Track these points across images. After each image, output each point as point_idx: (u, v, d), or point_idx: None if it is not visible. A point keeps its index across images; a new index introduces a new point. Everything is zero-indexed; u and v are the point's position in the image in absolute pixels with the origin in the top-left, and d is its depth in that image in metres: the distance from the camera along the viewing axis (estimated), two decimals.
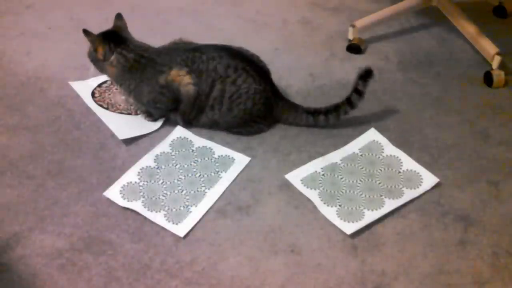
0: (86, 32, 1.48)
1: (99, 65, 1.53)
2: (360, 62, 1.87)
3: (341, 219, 1.34)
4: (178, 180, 1.44)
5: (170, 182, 1.43)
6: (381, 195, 1.40)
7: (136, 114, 1.62)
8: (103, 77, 1.67)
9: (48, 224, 1.32)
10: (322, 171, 1.47)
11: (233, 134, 1.57)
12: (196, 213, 1.35)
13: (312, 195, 1.40)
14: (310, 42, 1.97)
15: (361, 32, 1.92)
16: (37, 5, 2.10)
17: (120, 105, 1.65)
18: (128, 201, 1.37)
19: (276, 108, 1.57)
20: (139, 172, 1.44)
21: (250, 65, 1.52)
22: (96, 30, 1.52)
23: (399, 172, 1.47)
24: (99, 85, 1.71)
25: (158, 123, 1.59)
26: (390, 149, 1.53)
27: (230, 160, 1.49)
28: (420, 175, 1.45)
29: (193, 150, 1.52)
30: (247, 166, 1.48)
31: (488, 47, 1.79)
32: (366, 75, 1.50)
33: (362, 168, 1.48)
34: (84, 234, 1.30)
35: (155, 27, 2.00)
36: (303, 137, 1.57)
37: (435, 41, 1.98)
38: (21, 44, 1.90)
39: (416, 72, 1.83)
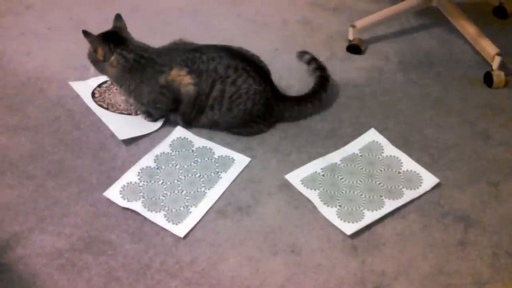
0: (85, 33, 1.48)
1: (99, 66, 1.53)
2: (360, 62, 1.88)
3: (341, 219, 1.34)
4: (178, 181, 1.44)
5: (170, 183, 1.43)
6: (381, 196, 1.40)
7: (136, 114, 1.62)
8: (103, 77, 1.67)
9: (48, 224, 1.32)
10: (322, 171, 1.47)
11: (233, 135, 1.57)
12: (196, 213, 1.35)
13: (312, 195, 1.40)
14: (310, 42, 1.97)
15: (361, 32, 1.92)
16: (37, 5, 2.10)
17: (120, 105, 1.65)
18: (128, 201, 1.37)
19: (276, 108, 1.57)
20: (139, 172, 1.44)
21: (250, 66, 1.52)
22: (96, 30, 1.52)
23: (399, 172, 1.47)
24: (99, 85, 1.71)
25: (158, 123, 1.59)
26: (390, 150, 1.53)
27: (230, 160, 1.49)
28: (420, 176, 1.45)
29: (193, 151, 1.52)
30: (247, 166, 1.48)
31: (488, 48, 1.79)
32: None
33: (362, 168, 1.48)
34: (84, 234, 1.30)
35: (155, 27, 2.00)
36: (303, 137, 1.57)
37: (435, 42, 1.98)
38: (21, 44, 1.90)
39: (416, 73, 1.83)
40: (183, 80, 1.50)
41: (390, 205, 1.37)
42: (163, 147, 1.52)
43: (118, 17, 1.56)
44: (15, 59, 1.83)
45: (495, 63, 1.76)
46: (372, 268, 1.25)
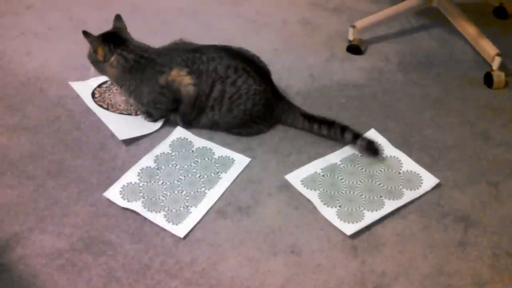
0: (85, 33, 1.48)
1: (99, 66, 1.53)
2: (360, 62, 1.88)
3: (341, 220, 1.34)
4: (178, 181, 1.44)
5: (170, 183, 1.43)
6: (381, 196, 1.40)
7: (136, 114, 1.62)
8: (103, 78, 1.67)
9: (48, 225, 1.32)
10: (322, 172, 1.46)
11: (233, 135, 1.57)
12: (196, 213, 1.35)
13: (312, 196, 1.40)
14: (310, 42, 1.97)
15: (361, 32, 1.92)
16: (37, 6, 2.10)
17: (120, 106, 1.65)
18: (128, 201, 1.37)
19: (276, 109, 1.57)
20: (139, 173, 1.44)
21: (251, 66, 1.52)
22: (96, 30, 1.52)
23: (399, 173, 1.47)
24: (99, 86, 1.71)
25: (158, 124, 1.59)
26: (390, 150, 1.53)
27: (230, 160, 1.49)
28: (420, 176, 1.45)
29: (193, 151, 1.52)
30: (247, 166, 1.48)
31: (488, 48, 1.79)
32: (372, 150, 1.48)
33: (362, 169, 1.48)
34: (84, 234, 1.30)
35: (155, 27, 2.00)
36: (303, 138, 1.57)
37: (435, 42, 1.98)
38: (21, 44, 1.90)
39: (416, 73, 1.83)
40: (183, 80, 1.50)
41: (390, 206, 1.37)
42: (163, 147, 1.52)
43: (118, 18, 1.56)
44: (15, 59, 1.83)
45: (495, 63, 1.76)
46: (372, 268, 1.25)
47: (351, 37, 1.92)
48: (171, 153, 1.51)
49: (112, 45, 1.50)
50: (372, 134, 1.57)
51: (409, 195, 1.40)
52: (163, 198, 1.39)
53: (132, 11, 2.06)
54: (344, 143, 1.52)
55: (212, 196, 1.40)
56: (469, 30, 1.88)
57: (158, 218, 1.33)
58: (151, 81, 1.51)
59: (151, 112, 1.58)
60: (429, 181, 1.44)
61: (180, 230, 1.31)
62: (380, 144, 1.54)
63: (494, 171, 1.49)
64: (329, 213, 1.35)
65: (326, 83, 1.78)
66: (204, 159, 1.50)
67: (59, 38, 1.93)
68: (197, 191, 1.41)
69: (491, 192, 1.43)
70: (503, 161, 1.52)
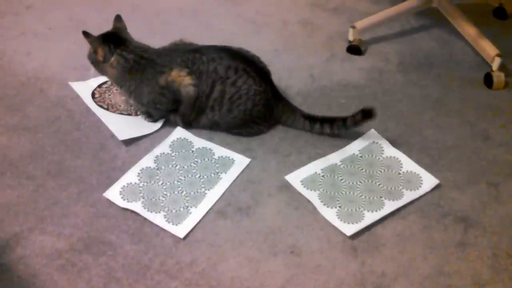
0: (85, 33, 1.48)
1: (99, 66, 1.53)
2: (360, 63, 1.88)
3: (341, 220, 1.34)
4: (178, 181, 1.44)
5: (170, 183, 1.43)
6: (381, 197, 1.40)
7: (136, 114, 1.62)
8: (103, 78, 1.67)
9: (48, 225, 1.31)
10: (322, 172, 1.47)
11: (233, 135, 1.57)
12: (196, 214, 1.35)
13: (312, 196, 1.40)
14: (310, 43, 1.97)
15: (361, 33, 1.92)
16: (37, 6, 2.10)
17: (120, 106, 1.65)
18: (128, 202, 1.36)
19: (276, 109, 1.57)
20: (139, 173, 1.44)
21: (251, 66, 1.52)
22: (96, 30, 1.52)
23: (399, 173, 1.47)
24: (99, 86, 1.71)
25: (158, 124, 1.59)
26: (390, 151, 1.53)
27: (230, 161, 1.49)
28: (420, 177, 1.45)
29: (193, 151, 1.52)
30: (247, 167, 1.48)
31: (488, 49, 1.79)
32: (367, 114, 1.49)
33: (362, 169, 1.48)
34: (84, 234, 1.30)
35: (155, 28, 2.00)
36: (303, 138, 1.57)
37: (435, 43, 1.98)
38: (21, 44, 1.90)
39: (416, 74, 1.83)
40: (183, 80, 1.50)
41: (390, 206, 1.37)
42: (163, 147, 1.52)
43: (118, 18, 1.56)
44: (15, 59, 1.83)
45: (495, 64, 1.76)
46: (372, 269, 1.25)
47: (351, 38, 1.92)
48: (171, 154, 1.51)
49: (112, 46, 1.50)
50: (372, 135, 1.57)
51: (409, 196, 1.40)
52: (163, 199, 1.39)
53: (132, 11, 2.06)
54: (348, 130, 1.51)
55: (212, 196, 1.40)
56: (469, 30, 1.88)
57: (158, 219, 1.33)
58: (151, 81, 1.51)
59: (151, 112, 1.58)
60: (429, 181, 1.44)
61: (180, 230, 1.31)
62: (380, 144, 1.54)
63: (494, 172, 1.49)
64: (329, 214, 1.35)
65: (326, 83, 1.78)
66: (204, 160, 1.50)
67: (59, 38, 1.93)
68: (197, 192, 1.41)
69: (491, 192, 1.43)
70: (503, 161, 1.52)
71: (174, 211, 1.36)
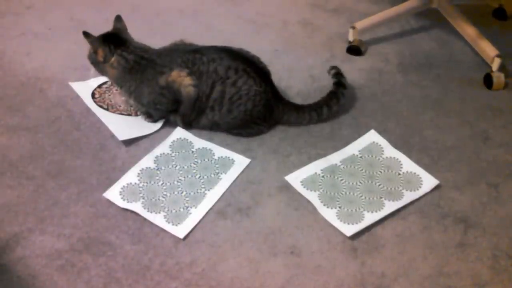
0: (86, 34, 1.48)
1: (100, 67, 1.53)
2: (360, 63, 1.88)
3: (341, 221, 1.34)
4: (178, 181, 1.44)
5: (170, 183, 1.43)
6: (381, 197, 1.40)
7: (136, 115, 1.62)
8: (103, 78, 1.67)
9: (47, 225, 1.31)
10: (322, 172, 1.47)
11: (233, 136, 1.57)
12: (196, 214, 1.35)
13: (312, 196, 1.40)
14: (310, 43, 1.97)
15: (361, 33, 1.92)
16: (37, 6, 2.10)
17: (120, 106, 1.65)
18: (128, 202, 1.36)
19: (276, 110, 1.57)
20: (139, 173, 1.44)
21: (251, 67, 1.52)
22: (96, 31, 1.53)
23: (399, 174, 1.47)
24: (99, 86, 1.71)
25: (158, 124, 1.59)
26: (390, 151, 1.53)
27: (230, 161, 1.49)
28: (420, 177, 1.45)
29: (193, 151, 1.52)
30: (247, 167, 1.48)
31: (488, 49, 1.79)
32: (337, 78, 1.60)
33: (362, 170, 1.48)
34: (83, 235, 1.30)
35: (155, 28, 2.00)
36: (303, 138, 1.57)
37: (435, 43, 1.98)
38: (21, 44, 1.90)
39: (416, 74, 1.83)
40: (184, 81, 1.50)
41: (390, 207, 1.37)
42: (163, 148, 1.52)
43: (118, 18, 1.56)
44: (15, 59, 1.83)
45: (495, 64, 1.76)
46: (372, 269, 1.25)
47: (351, 38, 1.92)
48: (171, 154, 1.51)
49: (112, 46, 1.50)
50: (372, 135, 1.57)
51: (409, 196, 1.40)
52: (163, 199, 1.39)
53: (132, 12, 2.06)
54: (340, 95, 1.59)
55: (212, 196, 1.40)
56: (469, 31, 1.88)
57: (158, 219, 1.33)
58: (151, 81, 1.51)
59: (151, 112, 1.58)
60: (429, 182, 1.44)
61: (180, 230, 1.31)
62: (380, 145, 1.54)
63: (494, 172, 1.49)
64: (329, 214, 1.35)
65: (326, 84, 1.78)
66: (204, 160, 1.50)
67: (59, 38, 1.93)
68: (197, 192, 1.41)
69: (491, 193, 1.43)
70: (503, 162, 1.52)
71: (174, 211, 1.36)
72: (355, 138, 1.57)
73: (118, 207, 1.36)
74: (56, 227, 1.31)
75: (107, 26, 1.56)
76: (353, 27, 1.91)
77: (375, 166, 1.49)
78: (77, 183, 1.42)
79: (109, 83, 1.71)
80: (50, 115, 1.61)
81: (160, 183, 1.43)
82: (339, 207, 1.37)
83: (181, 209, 1.36)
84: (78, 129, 1.57)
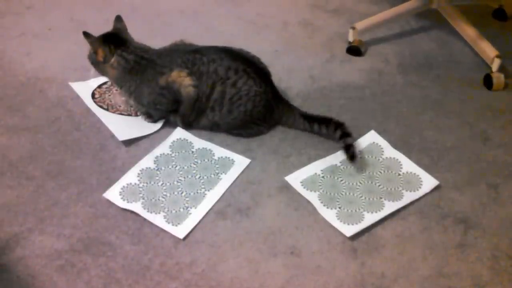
0: (86, 34, 1.48)
1: (100, 67, 1.53)
2: (360, 64, 1.88)
3: (340, 221, 1.34)
4: (178, 182, 1.44)
5: (170, 184, 1.43)
6: (381, 198, 1.40)
7: (136, 115, 1.62)
8: (103, 78, 1.67)
9: (47, 225, 1.31)
10: (322, 173, 1.47)
11: (233, 136, 1.57)
12: (196, 214, 1.35)
13: (312, 197, 1.40)
14: (310, 44, 1.97)
15: (361, 34, 1.92)
16: (38, 6, 2.10)
17: (120, 106, 1.65)
18: (127, 202, 1.36)
19: (276, 110, 1.57)
20: (139, 173, 1.44)
21: (251, 67, 1.52)
22: (96, 31, 1.53)
23: (399, 174, 1.47)
24: (99, 86, 1.71)
25: (158, 125, 1.59)
26: (389, 151, 1.53)
27: (230, 161, 1.49)
28: (420, 178, 1.45)
29: (193, 152, 1.52)
30: (247, 168, 1.48)
31: (488, 50, 1.79)
32: (348, 153, 1.46)
33: (362, 170, 1.48)
34: (83, 235, 1.30)
35: (155, 28, 2.00)
36: (303, 139, 1.57)
37: (435, 44, 1.98)
38: (21, 44, 1.90)
39: (416, 75, 1.83)
40: (184, 81, 1.50)
41: (389, 207, 1.37)
42: (163, 148, 1.52)
43: (118, 18, 1.56)
44: (15, 60, 1.83)
45: (495, 65, 1.76)
46: (371, 270, 1.25)
47: (351, 39, 1.92)
48: (171, 154, 1.51)
49: (113, 46, 1.50)
50: (371, 136, 1.57)
51: (408, 197, 1.40)
52: (163, 199, 1.39)
53: (132, 12, 2.06)
54: (336, 141, 1.51)
55: (212, 197, 1.40)
56: (469, 31, 1.88)
57: (157, 219, 1.33)
58: (151, 82, 1.51)
59: (151, 113, 1.58)
60: (428, 182, 1.44)
61: (180, 231, 1.31)
62: (379, 145, 1.54)
63: (494, 173, 1.49)
64: (329, 215, 1.35)
65: (326, 84, 1.78)
66: (204, 160, 1.50)
67: (59, 38, 1.93)
68: (197, 192, 1.41)
69: (491, 193, 1.43)
70: (503, 162, 1.52)
71: (174, 211, 1.35)
72: (355, 139, 1.56)
73: (118, 207, 1.36)
74: (56, 227, 1.31)
75: (107, 26, 1.56)
76: (353, 28, 1.91)
77: (375, 166, 1.49)
78: (77, 183, 1.42)
79: (109, 83, 1.71)
80: (50, 115, 1.61)
81: (160, 184, 1.43)
82: (339, 208, 1.37)
83: (181, 210, 1.36)
84: (78, 129, 1.57)
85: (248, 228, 1.33)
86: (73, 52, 1.83)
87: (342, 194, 1.41)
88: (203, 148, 1.53)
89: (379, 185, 1.44)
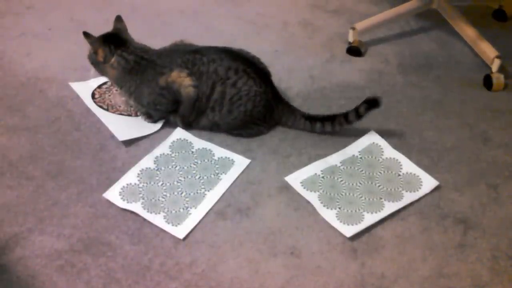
0: (86, 34, 1.48)
1: (100, 67, 1.53)
2: (360, 64, 1.88)
3: (340, 221, 1.34)
4: (178, 182, 1.44)
5: (170, 184, 1.43)
6: (381, 198, 1.40)
7: (136, 115, 1.62)
8: (103, 78, 1.67)
9: (47, 225, 1.31)
10: (322, 173, 1.47)
11: (233, 136, 1.57)
12: (196, 215, 1.35)
13: (312, 197, 1.40)
14: (310, 44, 1.97)
15: (361, 34, 1.92)
16: (38, 6, 2.10)
17: (120, 106, 1.65)
18: (127, 202, 1.36)
19: (276, 111, 1.57)
20: (138, 174, 1.44)
21: (251, 67, 1.52)
22: (96, 31, 1.53)
23: (399, 175, 1.47)
24: (99, 86, 1.71)
25: (158, 125, 1.59)
26: (389, 152, 1.53)
27: (230, 162, 1.49)
28: (420, 178, 1.45)
29: (193, 152, 1.52)
30: (246, 168, 1.48)
31: (488, 50, 1.79)
32: (372, 103, 1.48)
33: (362, 170, 1.48)
34: (83, 235, 1.29)
35: (155, 28, 2.00)
36: (303, 139, 1.57)
37: (435, 44, 1.98)
38: (21, 44, 1.90)
39: (416, 75, 1.84)
40: (184, 81, 1.50)
41: (389, 208, 1.37)
42: (163, 148, 1.52)
43: (118, 19, 1.56)
44: (15, 60, 1.82)
45: (495, 65, 1.76)
46: (371, 270, 1.25)
47: (351, 39, 1.92)
48: (171, 154, 1.51)
49: (113, 46, 1.50)
50: (371, 136, 1.57)
51: (408, 197, 1.40)
52: (163, 199, 1.39)
53: (132, 12, 2.06)
54: (351, 124, 1.51)
55: (211, 197, 1.40)
56: (469, 32, 1.88)
57: (157, 219, 1.33)
58: (151, 82, 1.51)
59: (151, 113, 1.58)
60: (428, 183, 1.44)
61: (180, 231, 1.31)
62: (379, 146, 1.54)
63: (494, 173, 1.49)
64: (329, 215, 1.35)
65: (326, 84, 1.78)
66: (204, 160, 1.50)
67: (60, 38, 1.93)
68: (197, 192, 1.41)
69: (491, 194, 1.43)
70: (503, 163, 1.52)
71: (173, 212, 1.35)
72: (355, 139, 1.57)
73: (118, 207, 1.36)
74: (56, 228, 1.31)
75: (107, 27, 1.56)
76: (353, 28, 1.91)
77: (375, 167, 1.49)
78: (77, 183, 1.42)
79: (109, 83, 1.71)
80: (50, 115, 1.61)
81: (160, 184, 1.43)
82: (339, 208, 1.37)
83: (181, 210, 1.36)
84: (78, 129, 1.57)
85: (248, 228, 1.33)
86: (73, 52, 1.83)
87: (342, 195, 1.41)
88: (203, 148, 1.53)
89: (379, 186, 1.44)
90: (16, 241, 1.28)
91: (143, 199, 1.38)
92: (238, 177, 1.45)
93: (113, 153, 1.50)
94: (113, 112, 1.63)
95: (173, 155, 1.51)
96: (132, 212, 1.35)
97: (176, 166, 1.48)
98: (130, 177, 1.43)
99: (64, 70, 1.78)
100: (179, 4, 2.15)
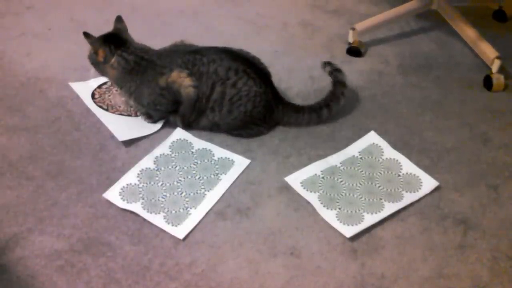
0: (86, 34, 1.48)
1: (100, 67, 1.53)
2: (360, 65, 1.88)
3: (340, 222, 1.34)
4: (178, 182, 1.44)
5: (170, 184, 1.43)
6: (381, 198, 1.40)
7: (136, 115, 1.62)
8: (103, 79, 1.67)
9: (47, 225, 1.31)
10: (322, 174, 1.47)
11: (233, 137, 1.57)
12: (196, 215, 1.35)
13: (312, 198, 1.40)
14: (310, 44, 1.97)
15: (361, 35, 1.93)
16: (38, 6, 2.10)
17: (120, 107, 1.65)
18: (127, 202, 1.36)
19: (276, 111, 1.57)
20: (138, 174, 1.44)
21: (251, 68, 1.52)
22: (96, 31, 1.53)
23: (399, 175, 1.47)
24: (99, 86, 1.71)
25: (158, 125, 1.59)
26: (389, 152, 1.53)
27: (230, 162, 1.49)
28: (420, 179, 1.45)
29: (192, 152, 1.52)
30: (246, 168, 1.48)
31: (488, 51, 1.79)
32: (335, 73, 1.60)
33: (362, 171, 1.48)
34: (83, 235, 1.29)
35: (155, 29, 2.00)
36: (303, 139, 1.57)
37: (435, 45, 1.98)
38: (21, 44, 1.90)
39: (416, 76, 1.84)
40: (184, 82, 1.50)
41: (389, 208, 1.37)
42: (163, 148, 1.52)
43: (118, 19, 1.56)
44: (15, 60, 1.82)
45: (495, 66, 1.76)
46: (371, 271, 1.25)
47: (351, 39, 1.92)
48: (171, 154, 1.51)
49: (113, 46, 1.50)
50: (371, 136, 1.57)
51: (408, 198, 1.40)
52: (163, 200, 1.39)
53: (132, 12, 2.06)
54: (345, 87, 1.60)
55: (211, 197, 1.40)
56: (469, 33, 1.88)
57: (157, 220, 1.33)
58: (151, 82, 1.51)
59: (151, 113, 1.58)
60: (428, 183, 1.44)
61: (180, 231, 1.31)
62: (379, 146, 1.54)
63: (494, 174, 1.49)
64: (329, 215, 1.35)
65: (326, 85, 1.77)
66: (203, 161, 1.50)
67: (60, 38, 1.93)
68: (197, 193, 1.41)
69: (491, 194, 1.43)
70: (503, 163, 1.52)
71: (173, 212, 1.35)
72: (355, 140, 1.57)
73: (118, 207, 1.35)
74: (56, 228, 1.31)
75: (107, 27, 1.56)
76: (353, 29, 1.91)
77: (375, 167, 1.49)
78: (77, 183, 1.42)
79: (109, 83, 1.71)
80: (50, 116, 1.61)
81: (159, 184, 1.42)
82: (339, 208, 1.37)
83: (181, 210, 1.36)
84: (78, 129, 1.57)
85: (248, 229, 1.33)
86: (73, 52, 1.83)
87: (342, 195, 1.41)
88: (203, 148, 1.53)
89: (379, 186, 1.44)
90: (16, 241, 1.28)
91: (143, 199, 1.38)
92: (238, 177, 1.45)
93: (113, 153, 1.50)
94: (113, 112, 1.63)
95: (173, 155, 1.51)
96: (132, 212, 1.35)
97: (176, 166, 1.48)
98: (130, 177, 1.43)
99: (64, 70, 1.78)
100: (179, 4, 2.15)
